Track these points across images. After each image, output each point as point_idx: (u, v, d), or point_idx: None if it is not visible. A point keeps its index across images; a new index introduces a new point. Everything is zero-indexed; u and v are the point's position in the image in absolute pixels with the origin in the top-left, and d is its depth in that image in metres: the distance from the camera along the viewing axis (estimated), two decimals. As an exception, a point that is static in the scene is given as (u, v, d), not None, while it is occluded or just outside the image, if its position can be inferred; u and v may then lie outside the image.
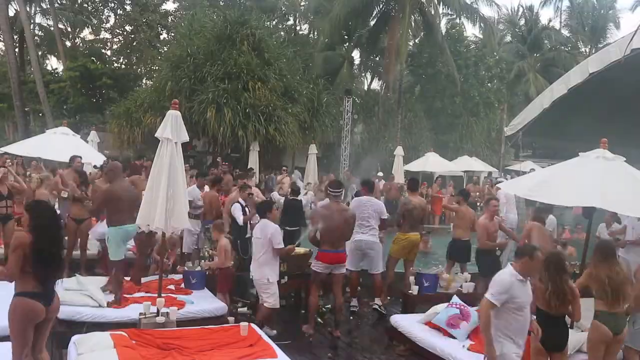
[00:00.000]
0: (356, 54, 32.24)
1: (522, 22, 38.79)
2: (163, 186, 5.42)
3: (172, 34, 26.94)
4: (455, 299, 5.89)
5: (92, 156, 10.09)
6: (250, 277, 6.27)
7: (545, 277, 4.12)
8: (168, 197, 5.44)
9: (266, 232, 5.90)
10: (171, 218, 5.51)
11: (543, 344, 4.26)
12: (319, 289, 6.41)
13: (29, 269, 3.73)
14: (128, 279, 6.74)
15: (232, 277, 6.77)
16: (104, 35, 30.72)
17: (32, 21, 30.11)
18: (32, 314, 3.78)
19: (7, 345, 4.44)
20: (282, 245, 5.97)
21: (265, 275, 5.91)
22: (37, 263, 3.74)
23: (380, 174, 16.77)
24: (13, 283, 3.85)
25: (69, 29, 32.57)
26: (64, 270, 4.32)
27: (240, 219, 7.59)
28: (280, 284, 6.33)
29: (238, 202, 7.82)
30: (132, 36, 27.61)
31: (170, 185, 5.46)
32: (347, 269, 6.75)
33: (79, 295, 5.78)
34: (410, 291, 6.96)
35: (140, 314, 5.42)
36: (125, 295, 6.15)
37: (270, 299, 5.95)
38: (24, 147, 10.67)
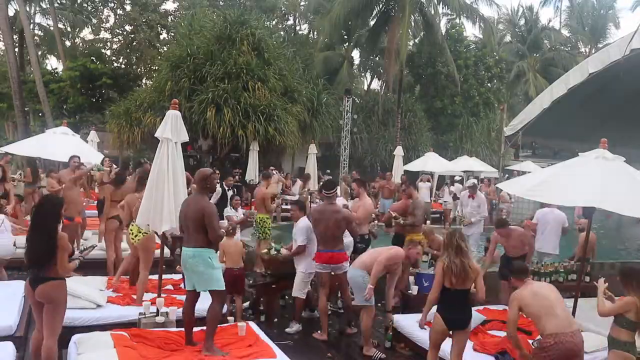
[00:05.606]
0: (356, 54, 32.35)
1: (522, 22, 38.87)
2: (164, 186, 5.41)
3: (172, 34, 26.92)
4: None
5: (92, 156, 10.05)
6: None
7: (445, 255, 4.49)
8: (169, 197, 5.42)
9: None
10: (172, 218, 5.49)
11: (445, 322, 4.47)
12: (326, 292, 6.33)
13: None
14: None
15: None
16: (104, 35, 30.70)
17: (31, 21, 30.08)
18: (27, 293, 4.39)
19: (6, 345, 4.46)
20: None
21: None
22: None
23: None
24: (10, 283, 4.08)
25: (69, 29, 32.51)
26: (32, 261, 4.40)
27: None
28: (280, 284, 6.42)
29: None
30: (132, 36, 27.56)
31: (171, 185, 5.44)
32: None
33: (74, 299, 5.52)
34: (410, 291, 6.96)
35: (140, 313, 5.42)
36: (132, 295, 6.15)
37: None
38: (23, 147, 10.64)
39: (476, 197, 9.83)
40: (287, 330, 6.26)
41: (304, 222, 6.45)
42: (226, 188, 10.88)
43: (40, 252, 4.16)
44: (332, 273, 6.28)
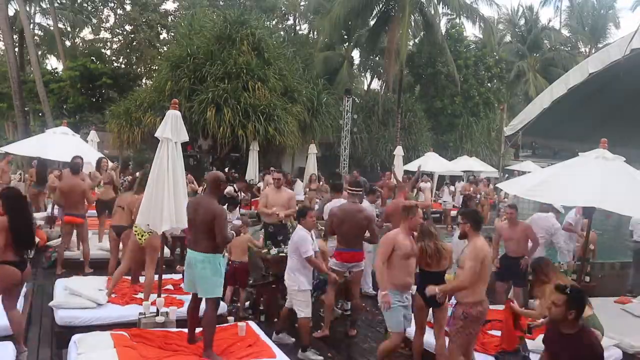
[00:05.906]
0: (356, 54, 32.35)
1: (522, 22, 38.87)
2: (164, 186, 5.40)
3: (172, 34, 26.94)
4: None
5: (91, 156, 10.07)
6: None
7: (421, 243, 4.98)
8: (169, 197, 5.42)
9: (294, 239, 5.58)
10: (172, 218, 5.49)
11: (424, 299, 4.93)
12: (335, 290, 6.25)
13: (9, 243, 4.60)
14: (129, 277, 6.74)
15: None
16: (104, 35, 30.73)
17: (31, 21, 30.09)
18: (12, 277, 4.64)
19: (6, 345, 4.47)
20: (309, 254, 5.36)
21: (296, 282, 5.49)
22: (15, 238, 4.62)
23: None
24: None
25: (69, 29, 32.51)
26: (34, 244, 5.17)
27: None
28: (280, 283, 6.33)
29: None
30: (132, 36, 27.57)
31: (171, 185, 5.44)
32: None
33: (74, 297, 5.69)
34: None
35: (140, 313, 5.42)
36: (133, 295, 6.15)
37: (305, 308, 5.50)
38: (23, 147, 10.65)
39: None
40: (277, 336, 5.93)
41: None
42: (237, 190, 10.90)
43: (32, 235, 4.86)
44: (349, 272, 6.23)
